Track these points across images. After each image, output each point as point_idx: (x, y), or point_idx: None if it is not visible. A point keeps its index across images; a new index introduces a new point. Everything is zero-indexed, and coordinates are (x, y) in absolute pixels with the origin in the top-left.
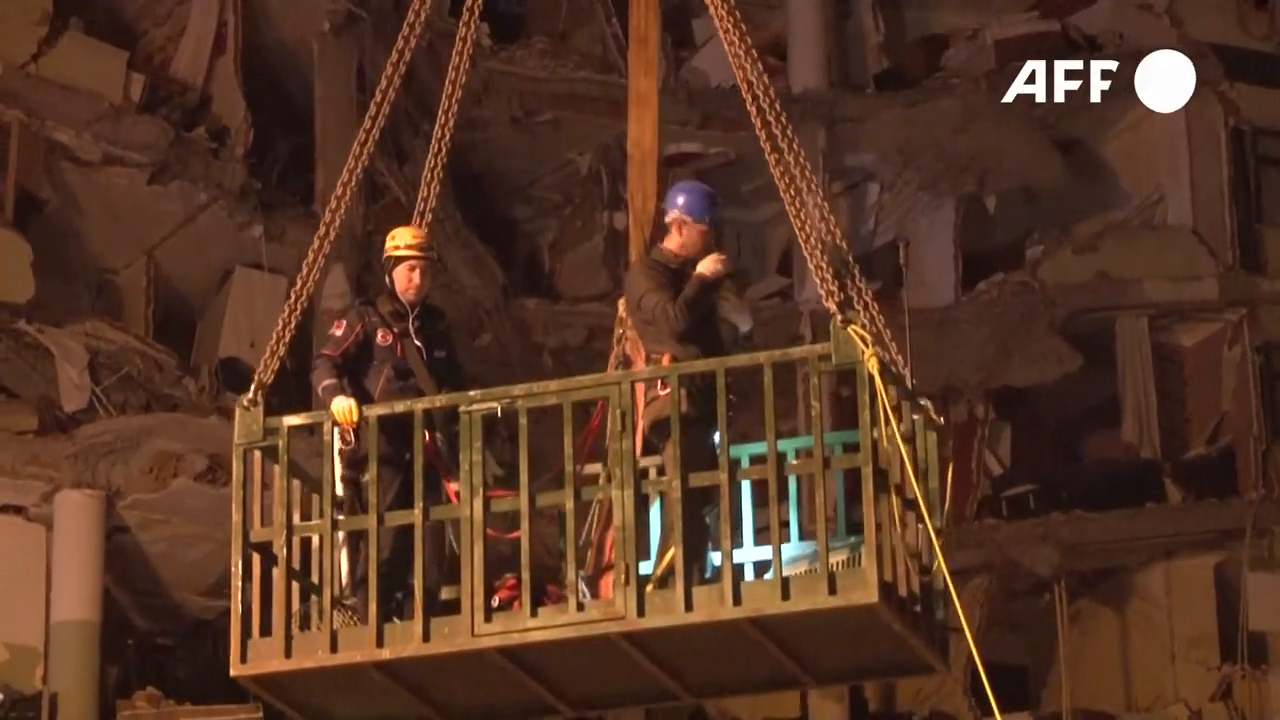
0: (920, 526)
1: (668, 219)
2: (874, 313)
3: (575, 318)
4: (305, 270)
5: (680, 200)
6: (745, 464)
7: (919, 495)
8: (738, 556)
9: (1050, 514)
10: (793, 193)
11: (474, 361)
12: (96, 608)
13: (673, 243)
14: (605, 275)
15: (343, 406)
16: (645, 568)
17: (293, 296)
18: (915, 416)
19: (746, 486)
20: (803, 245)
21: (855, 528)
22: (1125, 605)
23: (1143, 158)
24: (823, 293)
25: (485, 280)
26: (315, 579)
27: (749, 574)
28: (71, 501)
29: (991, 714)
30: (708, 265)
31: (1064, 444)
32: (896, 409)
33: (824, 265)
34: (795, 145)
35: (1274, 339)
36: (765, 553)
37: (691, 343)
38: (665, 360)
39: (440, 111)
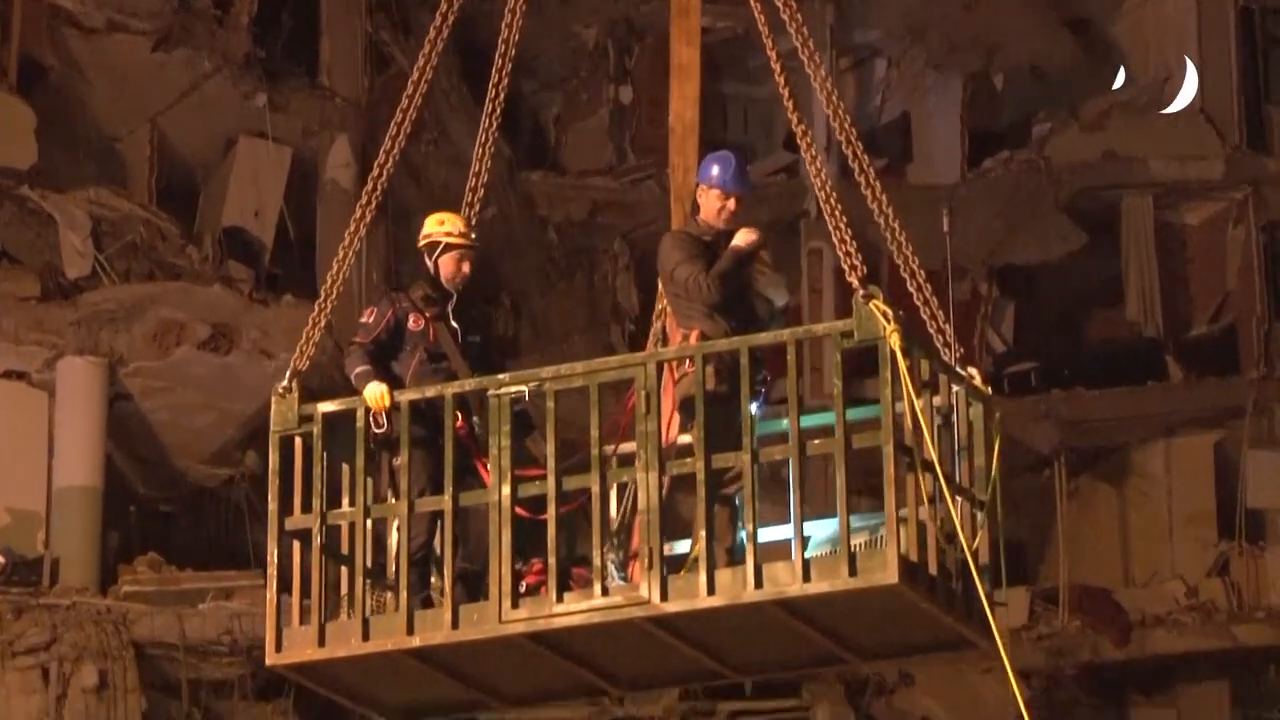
0: (960, 501)
1: (698, 191)
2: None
3: (580, 191)
4: (335, 267)
5: (705, 169)
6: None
7: (935, 464)
8: (787, 533)
9: (1051, 391)
10: (788, 88)
11: (480, 235)
12: (98, 474)
13: (700, 212)
14: (610, 149)
15: (375, 392)
16: (684, 547)
17: (322, 294)
18: (957, 388)
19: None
20: (803, 152)
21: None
22: (1124, 482)
23: (1151, 37)
24: (845, 266)
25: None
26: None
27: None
28: (74, 368)
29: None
30: (742, 237)
31: (1067, 322)
32: (930, 383)
33: (848, 238)
34: (803, 31)
35: (1279, 218)
36: (816, 527)
37: (724, 317)
38: (693, 337)
39: (491, 85)
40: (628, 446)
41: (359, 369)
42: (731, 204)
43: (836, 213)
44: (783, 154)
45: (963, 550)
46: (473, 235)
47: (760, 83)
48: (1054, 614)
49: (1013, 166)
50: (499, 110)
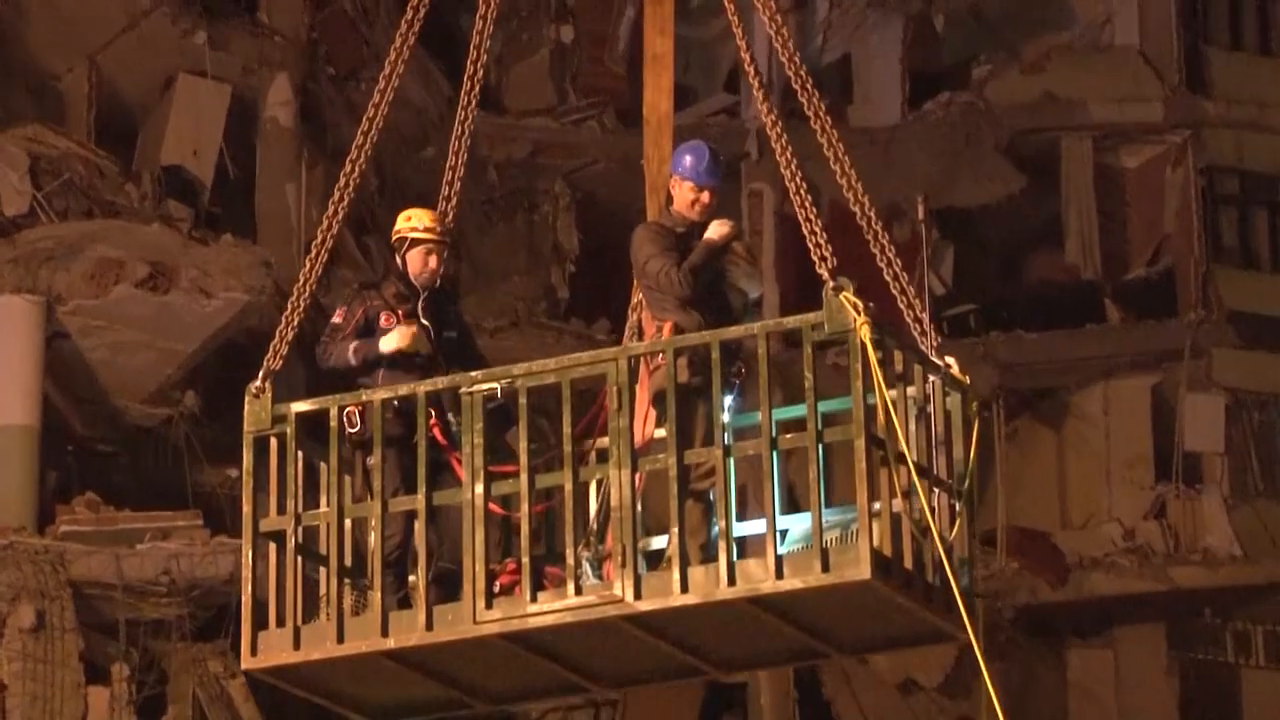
0: (937, 494)
1: (671, 182)
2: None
3: (520, 131)
4: (301, 280)
5: (677, 160)
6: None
7: (907, 456)
8: (761, 527)
9: (990, 333)
10: (740, 26)
11: (420, 174)
12: (36, 413)
13: (674, 203)
14: (551, 89)
15: (404, 331)
16: (662, 543)
17: (294, 293)
18: (933, 378)
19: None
20: (755, 92)
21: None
22: (1063, 425)
23: None
24: (815, 258)
25: (431, 93)
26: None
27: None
28: (12, 306)
29: None
30: (714, 229)
31: (1006, 264)
32: (902, 376)
33: (818, 230)
34: None
35: (1217, 161)
36: (796, 520)
37: (698, 310)
38: (667, 330)
39: (466, 77)
40: (606, 441)
41: (353, 345)
42: (705, 196)
43: (800, 191)
44: (723, 95)
45: (937, 543)
46: (442, 230)
47: (701, 24)
48: (992, 556)
49: (953, 108)
50: (474, 103)
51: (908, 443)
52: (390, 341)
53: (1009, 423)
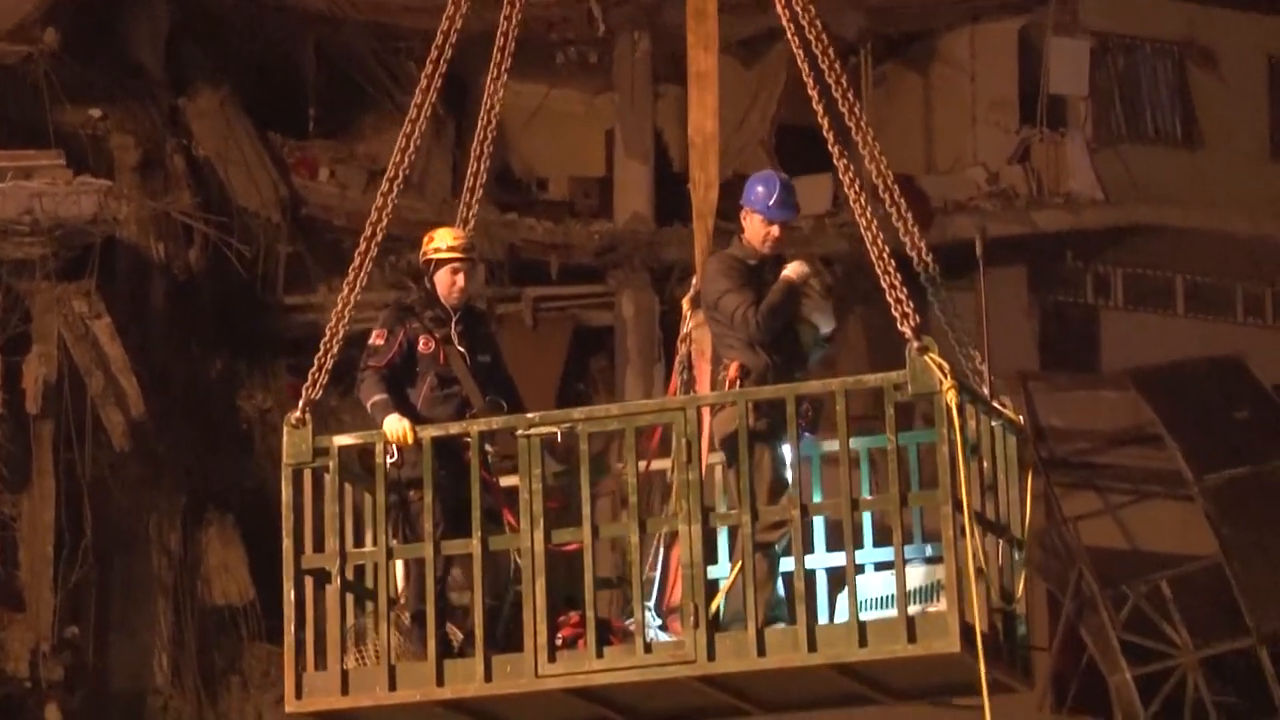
0: (1002, 547)
1: (742, 213)
2: None
3: None
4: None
5: (749, 191)
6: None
7: (984, 518)
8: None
9: None
10: None
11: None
12: None
13: (744, 234)
14: None
15: (398, 429)
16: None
17: (333, 318)
18: (994, 423)
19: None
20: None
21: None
22: (929, 68)
23: None
24: (897, 315)
25: None
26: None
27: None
28: None
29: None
30: (794, 269)
31: None
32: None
33: (898, 284)
34: None
35: None
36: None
37: (766, 350)
38: (733, 370)
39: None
40: (660, 464)
41: (375, 398)
42: (776, 230)
43: (882, 250)
44: None
45: (1010, 605)
46: (466, 245)
47: None
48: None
49: None
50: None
51: (983, 502)
52: (391, 428)
53: (876, 67)
